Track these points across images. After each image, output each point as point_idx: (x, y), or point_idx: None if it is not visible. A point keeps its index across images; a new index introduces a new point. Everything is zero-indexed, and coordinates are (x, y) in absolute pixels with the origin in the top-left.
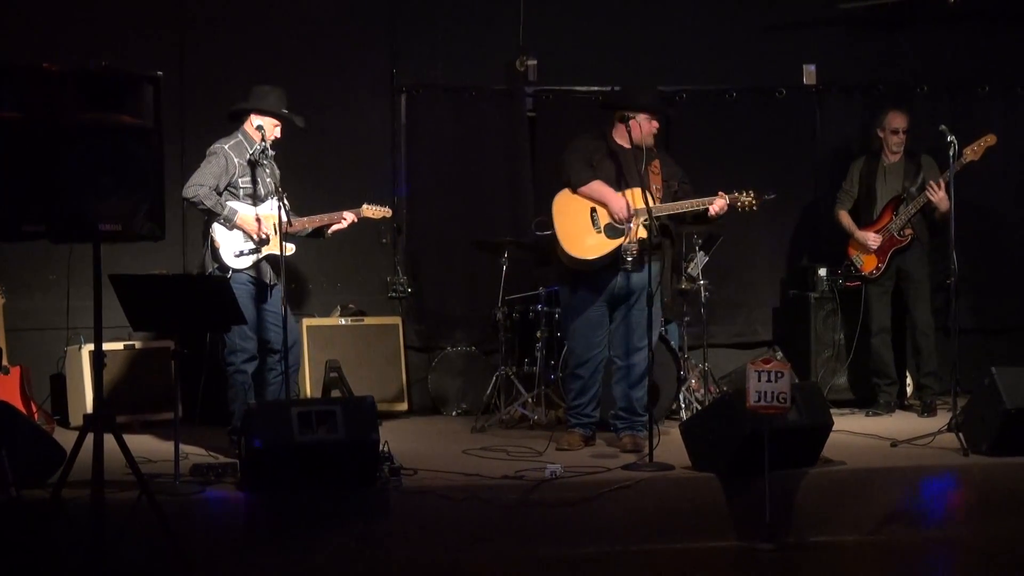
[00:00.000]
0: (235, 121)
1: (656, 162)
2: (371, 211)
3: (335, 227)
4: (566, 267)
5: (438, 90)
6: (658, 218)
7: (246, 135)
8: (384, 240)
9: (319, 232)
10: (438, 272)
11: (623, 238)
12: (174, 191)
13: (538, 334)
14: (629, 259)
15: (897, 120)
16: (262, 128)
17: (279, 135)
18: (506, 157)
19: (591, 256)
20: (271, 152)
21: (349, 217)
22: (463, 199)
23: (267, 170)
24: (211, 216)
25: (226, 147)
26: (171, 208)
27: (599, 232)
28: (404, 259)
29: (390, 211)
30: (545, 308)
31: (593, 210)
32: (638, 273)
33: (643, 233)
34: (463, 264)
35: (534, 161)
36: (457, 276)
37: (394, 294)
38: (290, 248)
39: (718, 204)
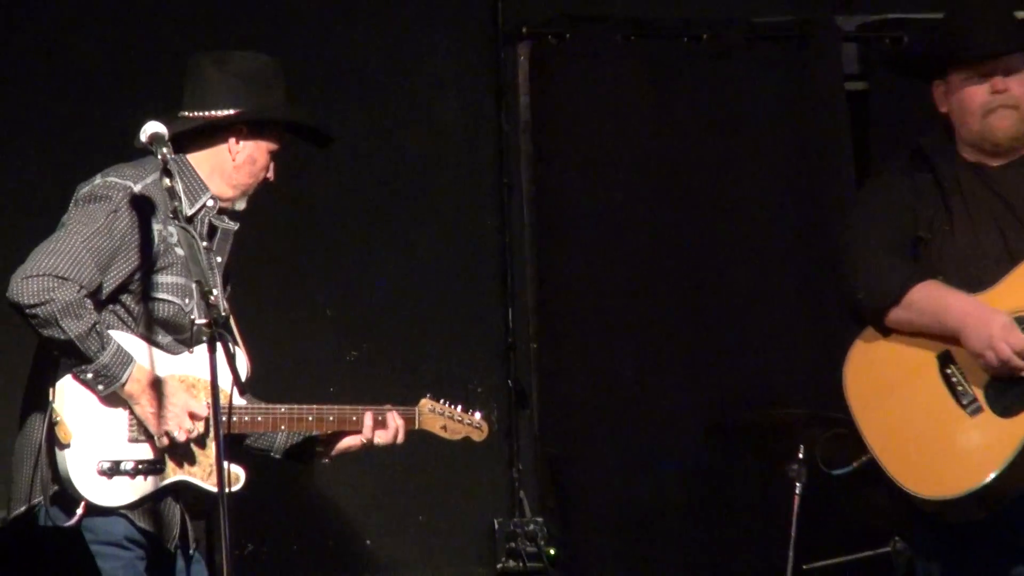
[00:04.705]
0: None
1: None
2: (439, 421)
3: (347, 444)
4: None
5: (605, 33)
6: None
7: (188, 171)
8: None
9: (307, 448)
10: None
11: None
12: None
13: None
14: None
15: None
16: (252, 161)
17: (271, 176)
18: (790, 187)
19: (966, 486)
20: (233, 226)
21: (388, 433)
22: (679, 302)
23: (213, 262)
24: (61, 355)
25: (136, 188)
26: None
27: (974, 411)
28: (535, 466)
29: (485, 427)
30: None
31: (946, 359)
32: None
33: None
34: (694, 477)
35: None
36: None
37: (517, 564)
38: (238, 476)
39: None
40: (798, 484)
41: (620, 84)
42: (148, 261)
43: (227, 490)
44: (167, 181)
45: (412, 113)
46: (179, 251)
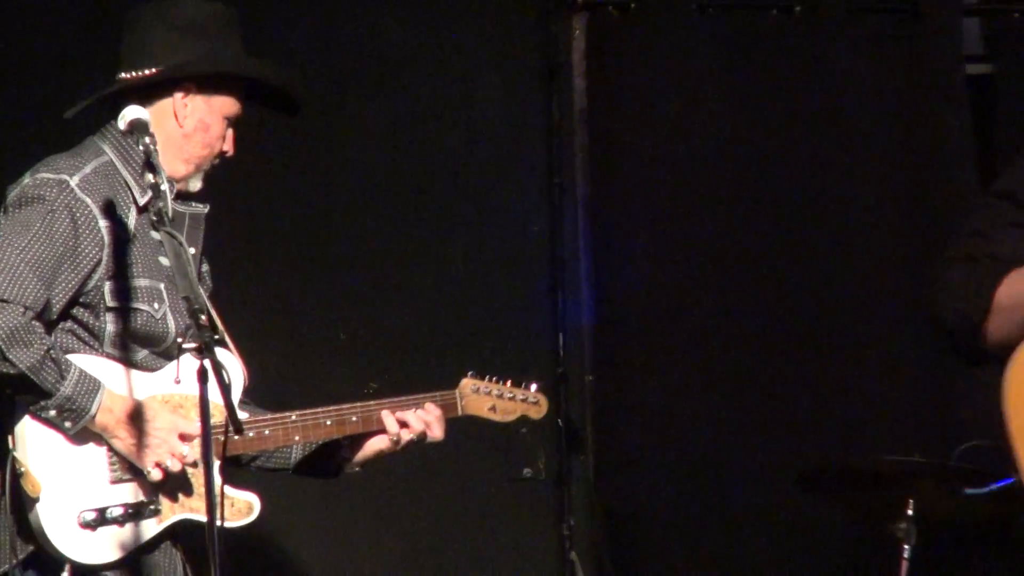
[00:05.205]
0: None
1: None
2: (486, 401)
3: (378, 446)
4: None
5: (677, 3)
6: None
7: (129, 149)
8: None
9: (329, 457)
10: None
11: None
12: None
13: None
14: None
15: None
16: (203, 127)
17: (230, 149)
18: (898, 190)
19: None
20: (203, 209)
21: (423, 423)
22: (764, 326)
23: (179, 256)
24: (15, 394)
25: (74, 181)
26: None
27: None
28: (589, 521)
29: (542, 400)
30: None
31: None
32: None
33: None
34: (781, 535)
35: None
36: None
37: None
38: (250, 506)
39: None
40: (906, 546)
41: (695, 65)
42: (102, 266)
43: (238, 523)
44: (150, 177)
45: (446, 100)
46: (163, 260)
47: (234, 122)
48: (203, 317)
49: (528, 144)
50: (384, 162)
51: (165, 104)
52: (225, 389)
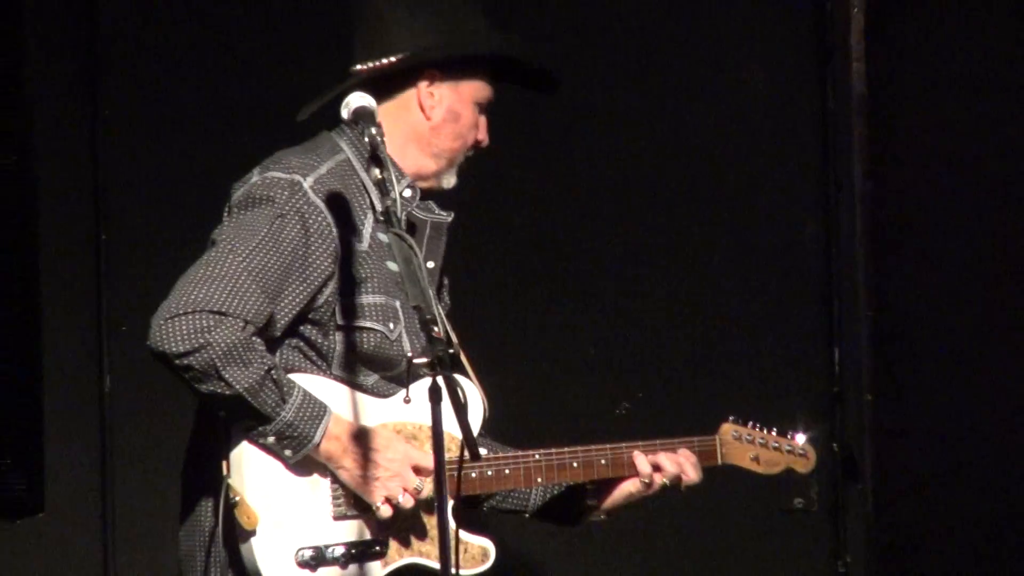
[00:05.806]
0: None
1: None
2: (748, 450)
3: (627, 491)
4: None
5: None
6: None
7: (355, 145)
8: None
9: (573, 503)
10: None
11: None
12: (85, 361)
13: None
14: None
15: None
16: (454, 117)
17: (484, 138)
18: None
19: None
20: (446, 217)
21: (677, 465)
22: None
23: (409, 262)
24: (229, 417)
25: (308, 183)
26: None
27: None
28: (868, 558)
29: (811, 452)
30: None
31: None
32: None
33: None
34: None
35: None
36: None
37: None
38: (485, 552)
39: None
40: None
41: (990, 44)
42: (334, 280)
43: (471, 571)
44: (377, 172)
45: (707, 87)
46: (391, 265)
47: (486, 107)
48: (436, 329)
49: (799, 136)
50: (638, 156)
51: (408, 95)
52: (461, 414)
